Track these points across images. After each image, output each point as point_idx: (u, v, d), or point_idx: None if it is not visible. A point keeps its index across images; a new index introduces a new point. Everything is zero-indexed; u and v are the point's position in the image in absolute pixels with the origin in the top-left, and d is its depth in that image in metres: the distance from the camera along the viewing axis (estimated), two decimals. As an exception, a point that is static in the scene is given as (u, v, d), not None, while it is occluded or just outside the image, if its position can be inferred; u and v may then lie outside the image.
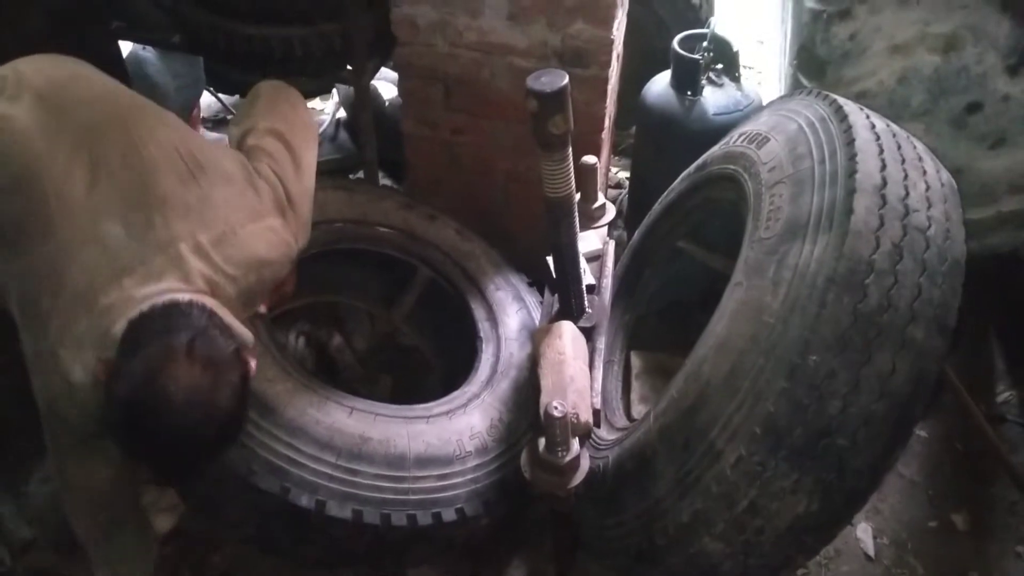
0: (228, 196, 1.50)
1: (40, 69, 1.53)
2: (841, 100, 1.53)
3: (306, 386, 1.71)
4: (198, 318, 1.32)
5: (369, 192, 2.26)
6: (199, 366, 1.25)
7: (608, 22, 2.12)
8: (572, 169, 1.53)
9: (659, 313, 2.06)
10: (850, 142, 1.41)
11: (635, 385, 1.88)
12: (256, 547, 1.73)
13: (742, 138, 1.71)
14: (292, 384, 1.69)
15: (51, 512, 2.12)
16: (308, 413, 1.65)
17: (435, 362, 2.30)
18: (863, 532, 2.16)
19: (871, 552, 2.14)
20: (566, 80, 1.40)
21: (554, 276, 1.75)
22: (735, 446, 1.31)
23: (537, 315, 2.14)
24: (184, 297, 1.35)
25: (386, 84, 2.93)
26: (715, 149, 1.83)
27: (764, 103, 2.52)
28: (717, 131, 2.39)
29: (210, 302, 1.38)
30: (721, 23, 2.50)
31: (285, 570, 1.90)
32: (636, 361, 1.94)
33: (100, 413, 1.32)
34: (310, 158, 1.76)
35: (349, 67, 2.34)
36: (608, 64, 2.18)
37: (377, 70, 2.51)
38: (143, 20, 2.34)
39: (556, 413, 1.41)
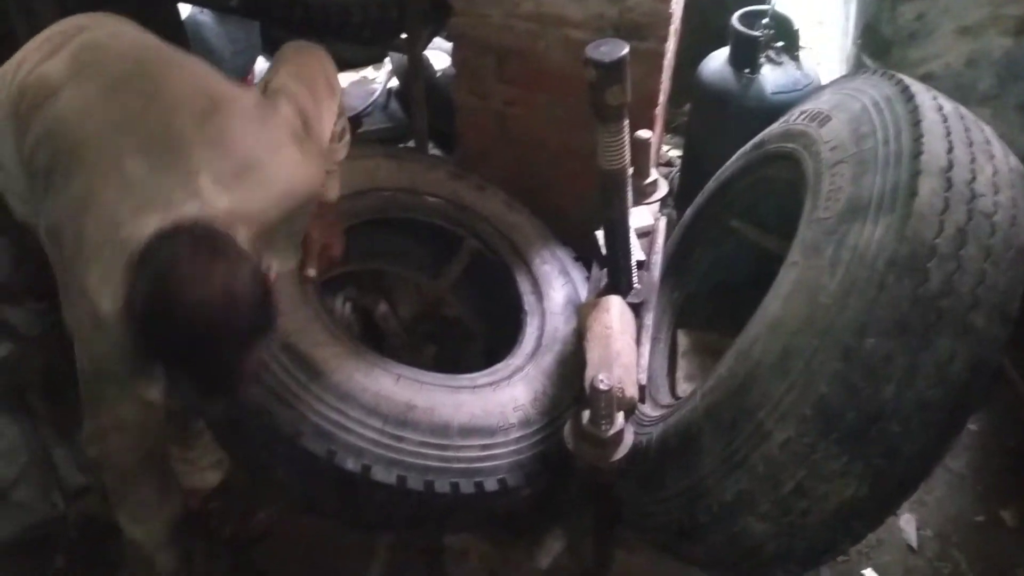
0: (248, 130, 1.51)
1: (82, 26, 1.60)
2: (908, 80, 1.49)
3: (354, 352, 1.73)
4: (201, 227, 1.33)
5: (419, 161, 2.26)
6: (205, 260, 1.25)
7: (667, -5, 2.09)
8: (627, 142, 1.51)
9: (708, 292, 2.03)
10: (916, 123, 1.38)
11: (681, 363, 1.87)
12: (302, 508, 1.76)
13: (803, 116, 1.68)
14: (340, 349, 1.71)
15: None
16: (355, 379, 1.66)
17: (478, 333, 2.31)
18: (906, 523, 2.13)
19: (914, 543, 2.11)
20: (626, 50, 1.38)
21: (604, 250, 1.73)
22: (784, 427, 1.30)
23: (583, 290, 2.13)
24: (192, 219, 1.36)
25: (439, 54, 2.93)
26: (773, 127, 1.80)
27: (823, 83, 2.48)
28: (774, 110, 2.34)
29: (222, 224, 1.38)
30: (781, 1, 2.45)
31: (327, 529, 1.94)
32: (683, 340, 1.93)
33: (128, 343, 1.33)
34: (330, 104, 1.74)
35: (403, 36, 2.33)
36: (666, 38, 2.15)
37: (431, 39, 2.50)
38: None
39: (602, 386, 1.41)
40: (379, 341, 2.41)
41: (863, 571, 2.07)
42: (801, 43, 2.45)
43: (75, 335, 1.45)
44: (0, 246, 2.35)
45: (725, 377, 1.43)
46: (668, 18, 2.12)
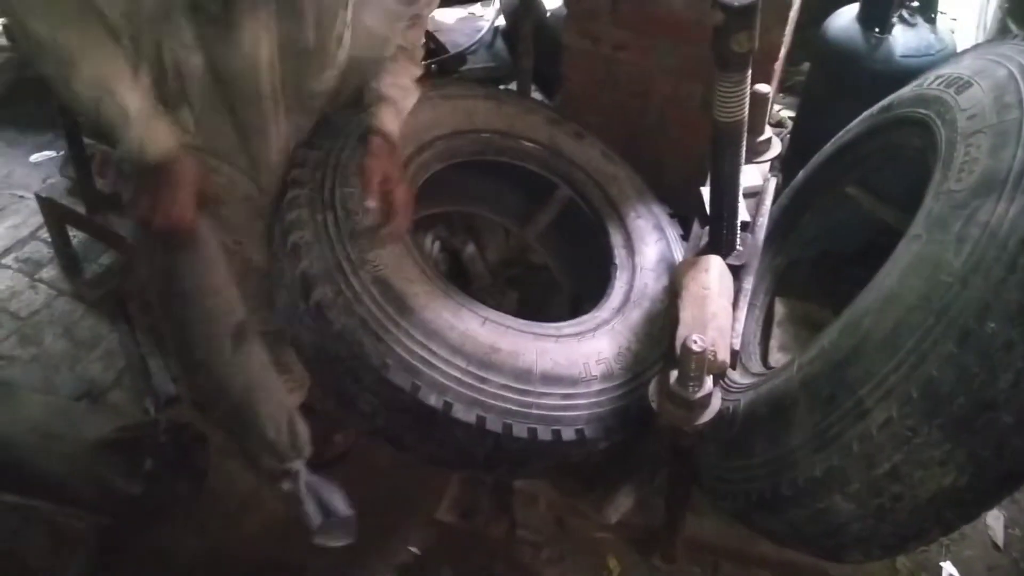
0: None
1: None
2: (1066, 47, 1.37)
3: (443, 291, 1.72)
4: None
5: (518, 104, 2.21)
6: None
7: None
8: (748, 94, 1.43)
9: (811, 261, 1.94)
10: (1069, 95, 1.26)
11: (776, 332, 1.80)
12: (382, 439, 1.78)
13: (939, 81, 1.56)
14: (430, 287, 1.70)
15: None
16: (443, 317, 1.66)
17: (564, 283, 2.28)
18: (994, 520, 2.04)
19: (1000, 541, 2.02)
20: (757, -5, 1.30)
21: (708, 207, 1.67)
22: (886, 406, 1.23)
23: (676, 248, 2.07)
24: None
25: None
26: (905, 90, 1.68)
27: (958, 50, 2.31)
28: (903, 75, 2.19)
29: None
30: (920, -43, 2.29)
31: (402, 458, 1.97)
32: (780, 308, 1.86)
33: None
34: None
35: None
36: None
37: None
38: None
39: (695, 347, 1.37)
40: (465, 282, 2.42)
41: (942, 563, 1.99)
42: (939, 5, 2.29)
43: None
44: (109, 158, 2.42)
45: (827, 349, 1.36)
46: (797, -33, 2.01)
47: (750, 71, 1.41)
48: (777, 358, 1.76)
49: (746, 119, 1.49)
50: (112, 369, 2.42)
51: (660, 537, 1.87)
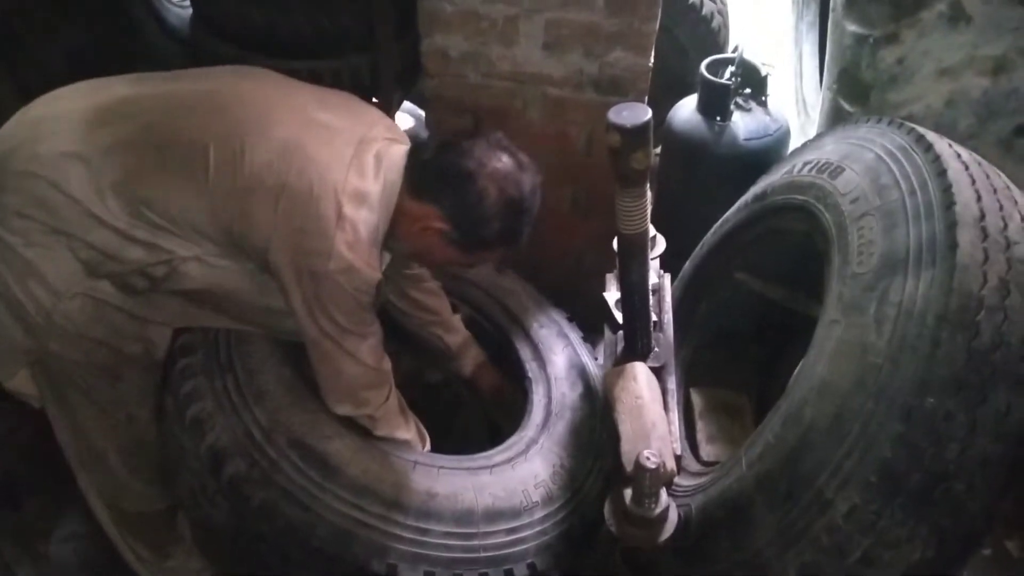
0: None
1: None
2: (921, 129, 1.50)
3: (363, 440, 1.61)
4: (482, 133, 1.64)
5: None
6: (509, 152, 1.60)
7: (647, 49, 2.08)
8: (649, 205, 1.46)
9: (710, 346, 2.00)
10: (941, 172, 1.37)
11: (700, 424, 1.82)
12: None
13: (808, 167, 1.67)
14: (350, 439, 1.59)
15: (77, 573, 2.00)
16: (372, 470, 1.56)
17: (474, 403, 2.21)
18: None
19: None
20: (649, 114, 1.33)
21: (618, 314, 1.68)
22: (848, 494, 1.25)
23: (583, 352, 2.07)
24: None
25: (404, 116, 2.86)
26: (775, 178, 1.78)
27: (790, 127, 2.51)
28: (748, 156, 2.37)
29: None
30: (739, 48, 2.48)
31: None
32: (696, 399, 1.88)
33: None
34: None
35: (375, 100, 2.26)
36: (645, 92, 2.14)
37: (401, 102, 2.44)
38: (159, 54, 2.24)
39: (649, 464, 1.34)
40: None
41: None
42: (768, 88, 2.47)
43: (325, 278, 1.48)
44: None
45: (774, 444, 1.37)
46: (647, 72, 2.12)
47: (648, 184, 1.45)
48: (708, 450, 1.77)
49: (649, 229, 1.52)
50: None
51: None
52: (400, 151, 1.61)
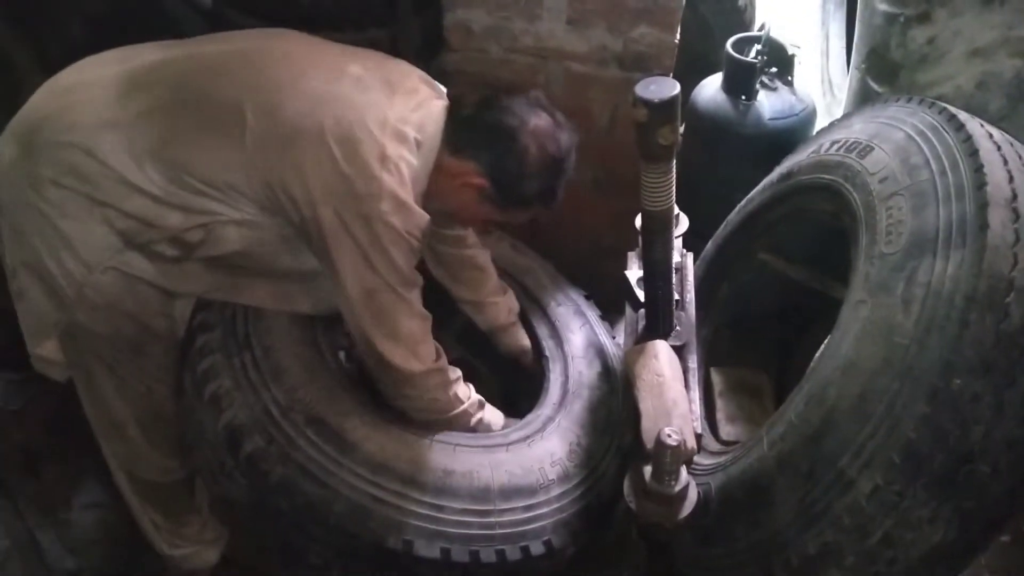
0: None
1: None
2: (952, 108, 1.47)
3: (381, 418, 1.61)
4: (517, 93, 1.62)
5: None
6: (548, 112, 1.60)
7: (673, 25, 2.05)
8: (674, 181, 1.45)
9: (732, 326, 1.98)
10: (973, 152, 1.35)
11: (719, 404, 1.81)
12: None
13: (836, 146, 1.64)
14: (368, 416, 1.59)
15: (97, 540, 2.03)
16: (388, 447, 1.55)
17: (491, 380, 2.21)
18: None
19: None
20: (678, 89, 1.32)
21: (640, 292, 1.67)
22: (870, 475, 1.24)
23: (601, 331, 2.06)
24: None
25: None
26: (801, 158, 1.76)
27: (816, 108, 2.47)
28: (773, 136, 2.34)
29: None
30: (766, 26, 2.44)
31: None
32: (716, 378, 1.87)
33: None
34: None
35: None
36: (671, 69, 2.12)
37: (422, 77, 2.41)
38: (180, 24, 2.23)
39: (671, 441, 1.33)
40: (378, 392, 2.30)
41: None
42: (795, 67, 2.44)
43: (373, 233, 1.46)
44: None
45: (796, 424, 1.36)
46: (673, 48, 2.09)
47: (674, 160, 1.43)
48: (728, 430, 1.76)
49: (674, 206, 1.51)
50: (-5, 551, 2.11)
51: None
52: (439, 105, 1.59)
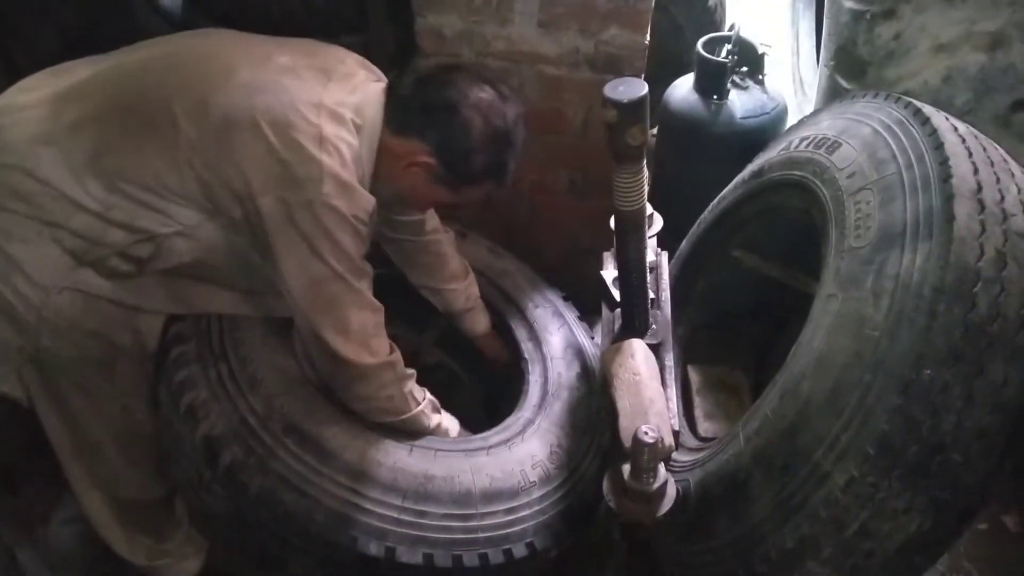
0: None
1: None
2: (917, 103, 1.49)
3: (359, 425, 1.60)
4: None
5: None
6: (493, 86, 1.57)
7: (643, 27, 2.07)
8: (646, 181, 1.46)
9: (707, 324, 2.00)
10: (938, 146, 1.36)
11: (697, 401, 1.82)
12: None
13: (804, 143, 1.66)
14: (346, 424, 1.59)
15: (76, 555, 2.00)
16: (368, 454, 1.55)
17: (470, 384, 2.21)
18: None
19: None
20: (646, 89, 1.32)
21: (615, 292, 1.67)
22: (845, 467, 1.25)
23: (579, 331, 2.07)
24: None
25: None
26: (772, 155, 1.77)
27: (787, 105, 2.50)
28: (745, 135, 2.36)
29: None
30: (736, 26, 2.47)
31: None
32: (694, 376, 1.88)
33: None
34: None
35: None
36: (642, 70, 2.13)
37: (394, 83, 2.41)
38: (151, 35, 2.22)
39: (647, 439, 1.33)
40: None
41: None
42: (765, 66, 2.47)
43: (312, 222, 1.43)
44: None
45: (771, 418, 1.37)
46: (644, 49, 2.10)
47: (645, 160, 1.44)
48: (705, 427, 1.77)
49: (646, 206, 1.52)
50: (-29, 571, 2.09)
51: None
52: (378, 88, 1.56)
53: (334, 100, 1.46)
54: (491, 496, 1.60)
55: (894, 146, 1.43)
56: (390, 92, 1.56)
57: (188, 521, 1.91)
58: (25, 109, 1.49)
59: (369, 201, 1.48)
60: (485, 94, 1.54)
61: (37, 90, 1.53)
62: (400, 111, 1.53)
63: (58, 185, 1.42)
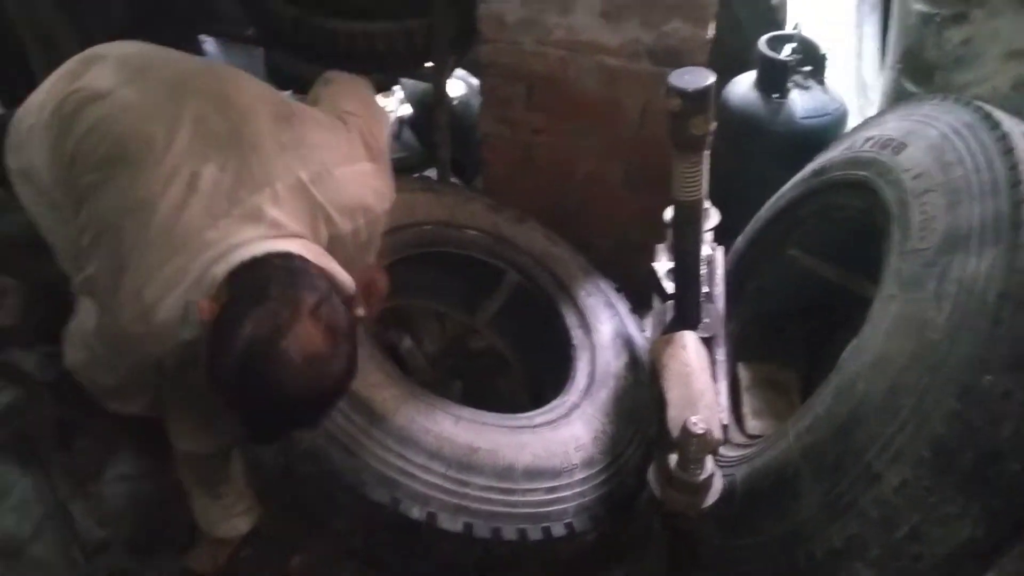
0: (322, 138, 1.49)
1: (117, 45, 1.56)
2: (987, 107, 1.47)
3: (410, 392, 1.64)
4: (320, 279, 1.28)
5: (456, 194, 2.19)
6: (322, 331, 1.22)
7: (705, 20, 2.06)
8: (706, 172, 1.46)
9: (759, 322, 1.99)
10: (1008, 150, 1.35)
11: (746, 398, 1.82)
12: (357, 560, 1.66)
13: (869, 143, 1.64)
14: (397, 390, 1.63)
15: (127, 511, 2.06)
16: (416, 421, 1.58)
17: (519, 368, 2.23)
18: None
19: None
20: (712, 79, 1.33)
21: (668, 283, 1.68)
22: (898, 469, 1.24)
23: (629, 323, 2.07)
24: (295, 248, 1.31)
25: (457, 83, 2.86)
26: (834, 154, 1.76)
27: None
28: (804, 135, 2.33)
29: (315, 248, 1.36)
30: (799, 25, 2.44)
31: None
32: (743, 373, 1.88)
33: (191, 352, 1.29)
34: (386, 131, 1.75)
35: (428, 64, 2.27)
36: (704, 64, 2.11)
37: (455, 68, 2.43)
38: (218, 12, 2.27)
39: (696, 429, 1.34)
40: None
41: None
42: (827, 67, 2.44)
43: (104, 331, 1.39)
44: (10, 288, 2.21)
45: (823, 417, 1.37)
46: (706, 44, 2.09)
47: (707, 151, 1.44)
48: (753, 424, 1.77)
49: (704, 197, 1.52)
50: (28, 520, 2.15)
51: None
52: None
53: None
54: (533, 473, 1.62)
55: (962, 149, 1.42)
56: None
57: (243, 482, 1.95)
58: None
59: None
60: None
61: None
62: None
63: None
